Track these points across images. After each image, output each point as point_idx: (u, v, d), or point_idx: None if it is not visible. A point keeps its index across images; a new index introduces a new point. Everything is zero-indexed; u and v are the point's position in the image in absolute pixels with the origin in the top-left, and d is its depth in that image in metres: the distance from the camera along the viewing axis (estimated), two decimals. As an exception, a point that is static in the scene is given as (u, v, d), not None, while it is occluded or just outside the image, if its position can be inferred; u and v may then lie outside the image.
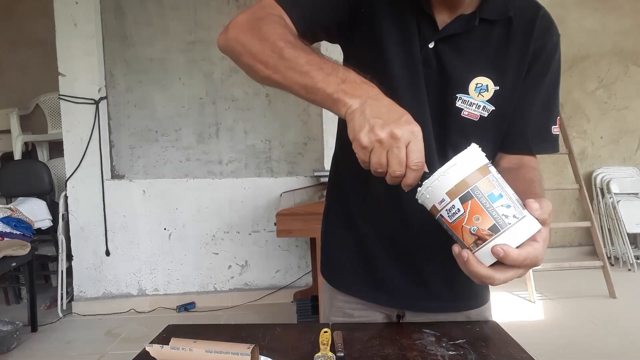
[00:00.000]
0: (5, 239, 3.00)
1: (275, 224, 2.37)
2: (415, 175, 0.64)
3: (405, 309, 1.02)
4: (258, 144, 3.84)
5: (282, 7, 0.80)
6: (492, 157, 0.91)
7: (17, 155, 3.92)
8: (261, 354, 0.79)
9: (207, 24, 3.71)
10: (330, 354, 0.80)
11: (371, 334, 0.92)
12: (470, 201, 0.62)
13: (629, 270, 4.12)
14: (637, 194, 4.42)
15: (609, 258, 4.10)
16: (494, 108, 0.85)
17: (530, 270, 3.17)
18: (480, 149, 0.65)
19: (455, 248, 0.67)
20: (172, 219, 3.59)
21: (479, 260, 0.64)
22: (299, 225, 2.34)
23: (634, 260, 4.14)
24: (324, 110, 3.63)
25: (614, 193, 4.36)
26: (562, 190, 4.40)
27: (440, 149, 0.87)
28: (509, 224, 0.62)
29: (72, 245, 3.48)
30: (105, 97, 3.54)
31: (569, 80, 4.36)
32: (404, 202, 0.91)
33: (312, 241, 2.97)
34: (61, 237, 3.44)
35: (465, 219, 0.62)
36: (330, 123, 3.51)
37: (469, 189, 0.62)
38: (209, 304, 3.55)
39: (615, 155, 4.61)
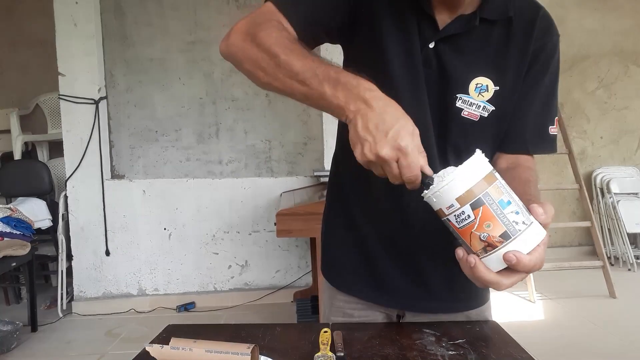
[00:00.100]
0: (5, 239, 3.00)
1: (275, 224, 2.37)
2: (412, 186, 0.66)
3: (405, 309, 1.02)
4: (258, 144, 3.85)
5: (281, 12, 0.80)
6: (491, 157, 0.92)
7: (17, 155, 3.92)
8: (261, 354, 0.79)
9: (207, 24, 3.72)
10: (330, 353, 0.80)
11: (371, 334, 0.92)
12: (481, 207, 0.61)
13: (629, 270, 4.12)
14: (637, 194, 4.42)
15: (609, 258, 4.10)
16: (494, 108, 0.86)
17: (530, 270, 3.16)
18: (481, 149, 0.66)
19: (460, 252, 0.67)
20: (172, 219, 3.59)
21: (486, 266, 0.64)
22: (299, 225, 2.34)
23: (634, 260, 4.14)
24: (324, 111, 3.63)
25: (614, 193, 4.36)
26: (562, 190, 4.40)
27: (441, 149, 0.87)
28: (519, 230, 0.62)
29: (72, 245, 3.48)
30: (105, 97, 3.54)
31: (569, 80, 4.35)
32: (405, 202, 0.91)
33: (312, 241, 2.97)
34: (61, 237, 3.44)
35: (476, 226, 0.62)
36: (330, 123, 3.51)
37: (480, 196, 0.61)
38: (209, 304, 3.55)
39: (615, 155, 4.61)
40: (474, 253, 0.64)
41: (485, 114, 0.86)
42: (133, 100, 3.73)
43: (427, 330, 0.92)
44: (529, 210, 0.64)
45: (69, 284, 3.51)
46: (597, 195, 4.50)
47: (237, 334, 0.92)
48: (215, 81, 3.77)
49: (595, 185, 4.51)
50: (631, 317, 3.11)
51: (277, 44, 0.74)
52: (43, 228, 3.47)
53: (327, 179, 1.12)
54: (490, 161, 0.66)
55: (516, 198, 0.64)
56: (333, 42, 0.93)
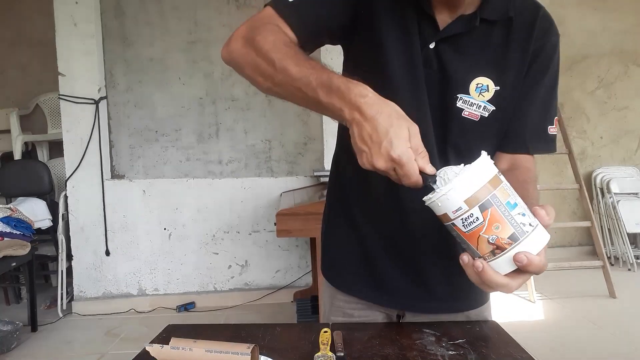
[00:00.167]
0: (5, 239, 2.99)
1: (275, 224, 2.37)
2: (414, 187, 0.66)
3: (405, 309, 1.02)
4: (258, 143, 3.85)
5: (280, 16, 0.81)
6: (492, 157, 0.92)
7: (17, 155, 3.92)
8: (261, 354, 0.79)
9: (207, 24, 3.72)
10: (330, 353, 0.80)
11: (371, 334, 0.92)
12: (490, 209, 0.61)
13: (629, 270, 4.12)
14: (637, 194, 4.42)
15: (609, 258, 4.10)
16: (494, 108, 0.86)
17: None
18: (482, 149, 0.65)
19: (465, 257, 0.67)
20: (172, 219, 3.59)
21: (494, 270, 0.64)
22: (299, 225, 2.34)
23: (634, 260, 4.14)
24: (324, 110, 3.63)
25: (614, 193, 4.36)
26: (562, 190, 4.40)
27: (441, 149, 0.87)
28: (527, 232, 0.62)
29: (72, 245, 3.48)
30: (105, 97, 3.54)
31: (569, 80, 4.35)
32: (404, 202, 0.91)
33: (312, 241, 2.97)
34: (61, 237, 3.44)
35: (485, 228, 0.61)
36: (330, 123, 3.51)
37: (488, 197, 0.61)
38: (209, 304, 3.55)
39: (615, 155, 4.61)
40: (481, 257, 0.63)
41: (486, 114, 0.86)
42: (133, 100, 3.73)
43: (427, 330, 0.93)
44: (532, 213, 0.64)
45: (69, 284, 3.51)
46: (597, 195, 4.50)
47: (237, 334, 0.92)
48: (215, 81, 3.77)
49: (595, 185, 4.51)
50: (631, 317, 3.11)
51: (273, 50, 0.74)
52: (43, 228, 3.47)
53: (327, 179, 1.12)
54: None
55: (520, 200, 0.64)
56: (333, 43, 0.93)
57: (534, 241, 0.62)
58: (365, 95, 0.66)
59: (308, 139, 3.85)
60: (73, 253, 3.48)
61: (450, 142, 0.87)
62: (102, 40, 3.55)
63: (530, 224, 0.62)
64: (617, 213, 4.28)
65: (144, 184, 3.57)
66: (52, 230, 3.53)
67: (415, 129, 0.66)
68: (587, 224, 3.74)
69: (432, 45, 0.85)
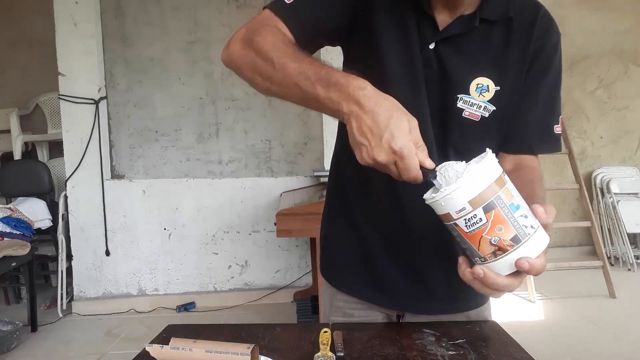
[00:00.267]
0: (5, 239, 2.99)
1: (275, 224, 2.37)
2: (414, 183, 0.66)
3: (405, 309, 1.02)
4: (258, 144, 3.85)
5: (279, 18, 0.81)
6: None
7: (17, 155, 3.92)
8: (261, 354, 0.79)
9: (207, 24, 3.72)
10: (330, 353, 0.80)
11: (371, 334, 0.92)
12: (493, 211, 0.60)
13: (629, 270, 4.12)
14: (637, 194, 4.42)
15: (608, 258, 4.10)
16: (494, 108, 0.85)
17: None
18: (483, 150, 0.65)
19: (462, 265, 0.67)
20: (172, 219, 3.59)
21: (496, 273, 0.63)
22: (299, 225, 2.34)
23: (634, 260, 4.14)
24: (324, 110, 3.63)
25: (614, 193, 4.36)
26: (562, 190, 4.40)
27: (442, 149, 0.87)
28: (528, 234, 0.62)
29: (72, 245, 3.48)
30: (105, 97, 3.54)
31: (569, 80, 4.35)
32: (405, 202, 0.91)
33: (312, 241, 2.97)
34: (61, 237, 3.44)
35: (487, 229, 0.61)
36: (330, 123, 3.50)
37: (492, 198, 0.60)
38: (209, 304, 3.55)
39: (615, 155, 4.61)
40: (481, 257, 0.63)
41: (486, 114, 0.86)
42: (133, 100, 3.73)
43: (427, 330, 0.92)
44: (531, 210, 0.64)
45: (69, 284, 3.51)
46: (597, 195, 4.50)
47: (237, 334, 0.92)
48: (215, 81, 3.77)
49: (595, 185, 4.51)
50: (631, 317, 3.11)
51: (272, 49, 0.75)
52: (43, 228, 3.48)
53: (327, 179, 1.12)
54: None
55: (523, 201, 0.63)
56: (332, 44, 0.93)
57: (536, 243, 0.62)
58: (364, 88, 0.66)
59: (308, 139, 3.85)
60: (73, 253, 3.48)
61: (451, 142, 0.87)
62: (102, 40, 3.55)
63: (532, 226, 0.62)
64: (617, 213, 4.28)
65: (144, 184, 3.57)
66: (52, 230, 3.53)
67: (414, 122, 0.66)
68: (587, 224, 3.74)
69: (431, 46, 0.85)
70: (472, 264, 0.66)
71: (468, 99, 0.85)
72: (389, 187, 0.92)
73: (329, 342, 0.83)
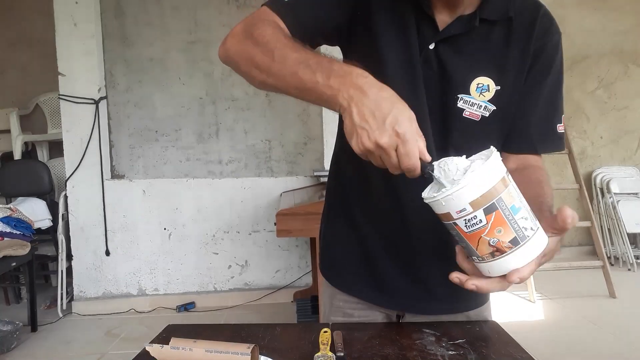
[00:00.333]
0: (5, 238, 3.00)
1: (275, 224, 2.37)
2: (411, 175, 0.65)
3: (405, 309, 1.02)
4: (258, 143, 3.85)
5: (278, 16, 0.81)
6: None
7: (17, 155, 3.93)
8: (261, 354, 0.79)
9: (207, 24, 3.72)
10: (330, 353, 0.80)
11: (371, 334, 0.92)
12: (494, 213, 0.60)
13: (629, 270, 4.12)
14: (637, 194, 4.42)
15: (608, 258, 4.10)
16: (495, 108, 0.85)
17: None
18: (483, 149, 0.65)
19: (459, 255, 0.68)
20: (172, 219, 3.60)
21: (489, 282, 0.65)
22: (299, 225, 2.34)
23: (634, 260, 4.14)
24: (324, 110, 3.63)
25: (614, 193, 4.36)
26: (562, 190, 4.40)
27: (442, 149, 0.87)
28: (528, 236, 0.61)
29: (72, 245, 3.48)
30: (105, 97, 3.54)
31: (569, 80, 4.35)
32: (404, 202, 0.91)
33: (312, 241, 2.97)
34: (61, 237, 3.44)
35: (487, 231, 0.60)
36: (330, 123, 3.51)
37: (494, 200, 0.59)
38: (209, 304, 3.55)
39: (615, 155, 4.61)
40: (479, 257, 0.63)
41: (487, 114, 0.85)
42: (133, 100, 3.73)
43: (427, 330, 0.92)
44: (559, 211, 0.63)
45: (69, 284, 3.51)
46: (597, 195, 4.50)
47: (237, 334, 0.92)
48: (215, 81, 3.77)
49: (595, 185, 4.51)
50: (631, 317, 3.11)
51: (272, 40, 0.74)
52: (43, 228, 3.47)
53: (327, 179, 1.12)
54: None
55: (525, 202, 0.63)
56: (331, 44, 0.93)
57: (534, 245, 0.62)
58: (366, 77, 0.66)
59: (308, 139, 3.85)
60: (73, 253, 3.48)
61: (451, 142, 0.87)
62: (102, 40, 3.55)
63: (531, 228, 0.62)
64: (617, 213, 4.28)
65: (144, 184, 3.58)
66: (52, 230, 3.53)
67: (413, 115, 0.65)
68: (587, 224, 3.73)
69: (431, 46, 0.84)
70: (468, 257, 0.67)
71: (468, 99, 0.85)
72: (389, 187, 0.92)
73: (329, 342, 0.83)
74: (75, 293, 3.50)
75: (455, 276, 0.68)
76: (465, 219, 0.60)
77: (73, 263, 3.48)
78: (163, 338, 0.89)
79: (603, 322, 3.03)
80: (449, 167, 0.63)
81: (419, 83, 0.85)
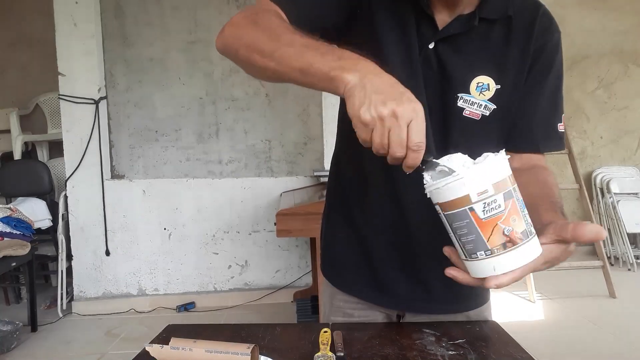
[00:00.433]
0: (5, 239, 3.00)
1: (275, 224, 2.37)
2: (415, 157, 0.61)
3: (405, 309, 1.02)
4: (258, 143, 3.84)
5: (279, 6, 0.80)
6: None
7: (17, 155, 3.93)
8: (261, 354, 0.79)
9: (207, 24, 3.71)
10: (330, 353, 0.80)
11: (371, 334, 0.92)
12: (511, 200, 0.59)
13: (629, 270, 4.12)
14: (637, 194, 4.42)
15: (608, 258, 4.10)
16: (495, 107, 0.85)
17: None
18: (484, 148, 0.64)
19: (453, 257, 0.66)
20: (172, 219, 3.60)
21: (502, 273, 0.61)
22: (299, 225, 2.34)
23: (634, 260, 4.15)
24: (324, 110, 3.63)
25: (614, 193, 4.36)
26: (562, 190, 4.36)
27: (443, 149, 0.86)
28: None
29: (72, 245, 3.48)
30: (105, 97, 3.54)
31: (569, 80, 4.36)
32: (404, 203, 0.91)
33: (312, 241, 2.97)
34: (61, 237, 3.44)
35: (504, 217, 0.58)
36: (330, 123, 3.51)
37: (511, 188, 0.59)
38: (209, 304, 3.55)
39: (615, 155, 4.61)
40: (487, 251, 0.60)
41: (487, 113, 0.85)
42: (133, 100, 3.73)
43: (427, 330, 0.92)
44: (575, 227, 0.62)
45: (69, 283, 3.51)
46: (597, 195, 4.50)
47: (237, 334, 0.92)
48: (215, 81, 3.77)
49: (595, 185, 4.51)
50: (631, 317, 3.12)
51: (279, 27, 0.73)
52: (43, 228, 3.48)
53: (327, 179, 1.12)
54: None
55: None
56: (330, 42, 0.93)
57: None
58: (375, 64, 0.65)
59: (308, 139, 3.85)
60: (73, 253, 3.48)
61: (451, 141, 0.87)
62: (102, 40, 3.55)
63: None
64: (617, 213, 4.28)
65: (144, 184, 3.58)
66: (52, 230, 3.53)
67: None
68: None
69: (431, 45, 0.84)
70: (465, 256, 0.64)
71: (468, 98, 0.85)
72: (388, 187, 0.92)
73: (329, 342, 0.83)
74: (75, 293, 3.50)
75: (450, 272, 0.67)
76: (485, 202, 0.58)
77: (73, 263, 3.48)
78: (163, 338, 0.89)
79: (603, 322, 3.03)
80: (456, 159, 0.62)
81: (419, 83, 0.85)
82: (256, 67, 0.74)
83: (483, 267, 0.62)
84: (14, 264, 2.94)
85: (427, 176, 0.64)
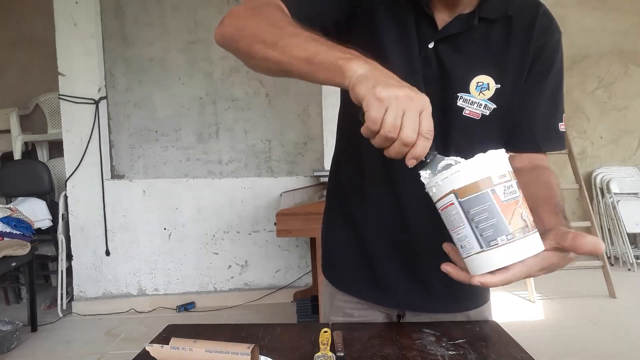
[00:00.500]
0: (5, 239, 3.00)
1: (275, 224, 2.37)
2: (425, 145, 0.60)
3: (405, 309, 1.02)
4: (258, 143, 3.84)
5: (280, 0, 0.80)
6: None
7: (17, 155, 3.93)
8: (261, 354, 0.79)
9: (207, 24, 3.71)
10: (330, 353, 0.80)
11: (371, 334, 0.92)
12: (520, 190, 0.61)
13: (629, 270, 4.12)
14: (637, 193, 4.42)
15: (608, 258, 4.10)
16: (495, 106, 0.85)
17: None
18: (484, 148, 0.65)
19: (452, 254, 0.66)
20: (172, 219, 3.60)
21: (519, 251, 0.59)
22: (299, 225, 2.34)
23: (634, 260, 4.14)
24: (324, 110, 3.63)
25: (614, 193, 4.36)
26: (562, 190, 4.40)
27: (443, 148, 0.86)
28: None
29: (72, 245, 3.48)
30: (105, 97, 3.54)
31: (569, 80, 4.35)
32: (404, 202, 0.91)
33: (312, 241, 2.97)
34: (61, 237, 3.44)
35: (520, 202, 0.59)
36: (330, 123, 3.51)
37: (517, 180, 0.61)
38: (209, 304, 3.55)
39: (615, 155, 4.61)
40: (509, 235, 0.58)
41: (487, 112, 0.85)
42: (133, 100, 3.73)
43: (427, 330, 0.92)
44: (576, 237, 0.62)
45: (69, 283, 3.51)
46: (597, 195, 4.50)
47: (237, 334, 0.92)
48: (215, 81, 3.77)
49: (595, 185, 4.51)
50: (631, 317, 3.11)
51: (282, 20, 0.73)
52: (43, 228, 3.48)
53: (327, 179, 1.12)
54: None
55: None
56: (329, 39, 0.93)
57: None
58: (385, 69, 0.65)
59: (308, 139, 3.85)
60: (73, 253, 3.48)
61: (451, 141, 0.87)
62: (102, 40, 3.55)
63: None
64: (617, 213, 4.28)
65: (144, 184, 3.58)
66: (52, 230, 3.53)
67: None
68: (587, 224, 3.73)
69: (431, 45, 0.84)
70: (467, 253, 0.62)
71: (468, 97, 0.85)
72: (388, 186, 0.92)
73: (329, 342, 0.83)
74: (75, 293, 3.50)
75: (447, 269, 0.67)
76: (506, 185, 0.58)
77: (73, 263, 3.48)
78: (163, 338, 0.89)
79: (603, 322, 3.04)
80: (455, 159, 0.63)
81: (419, 82, 0.84)
82: (257, 58, 0.73)
83: (499, 255, 0.60)
84: (14, 264, 2.95)
85: (424, 174, 0.63)
